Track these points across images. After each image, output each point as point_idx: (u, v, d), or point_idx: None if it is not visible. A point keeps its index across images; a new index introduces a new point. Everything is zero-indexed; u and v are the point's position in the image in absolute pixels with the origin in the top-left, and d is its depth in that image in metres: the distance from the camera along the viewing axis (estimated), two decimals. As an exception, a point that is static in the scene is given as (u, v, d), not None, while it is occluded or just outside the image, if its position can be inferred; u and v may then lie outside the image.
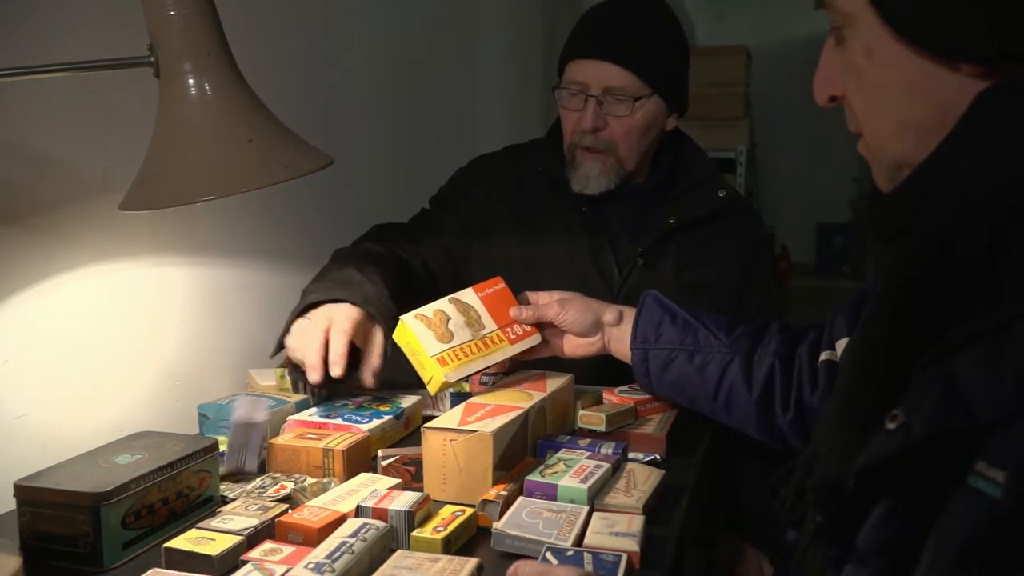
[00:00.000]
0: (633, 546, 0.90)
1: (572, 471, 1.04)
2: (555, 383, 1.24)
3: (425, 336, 1.20)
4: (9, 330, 1.09)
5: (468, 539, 0.96)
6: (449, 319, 1.23)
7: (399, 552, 0.89)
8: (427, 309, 1.23)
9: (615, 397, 1.31)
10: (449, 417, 1.09)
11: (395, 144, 2.09)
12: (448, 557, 0.87)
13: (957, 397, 0.55)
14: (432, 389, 1.19)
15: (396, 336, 1.22)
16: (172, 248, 1.36)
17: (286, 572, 0.84)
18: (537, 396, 1.18)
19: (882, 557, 0.59)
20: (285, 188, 0.95)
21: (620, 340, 1.25)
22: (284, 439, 1.15)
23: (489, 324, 1.26)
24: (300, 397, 1.29)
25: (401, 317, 1.22)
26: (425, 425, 1.07)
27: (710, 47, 5.98)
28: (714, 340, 1.19)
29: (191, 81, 0.91)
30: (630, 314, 1.25)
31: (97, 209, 1.18)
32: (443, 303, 1.26)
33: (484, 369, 1.25)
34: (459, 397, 1.34)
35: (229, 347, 1.49)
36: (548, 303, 1.29)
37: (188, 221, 1.38)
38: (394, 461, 1.10)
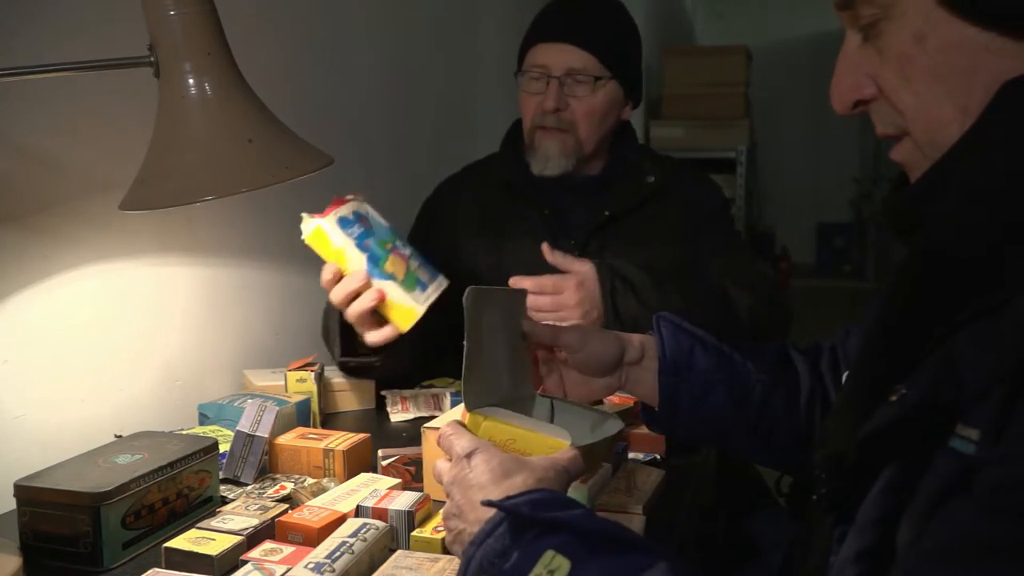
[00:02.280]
0: (633, 546, 0.90)
1: (572, 471, 1.04)
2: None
3: (517, 417, 0.87)
4: (9, 330, 1.09)
5: (468, 539, 0.96)
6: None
7: (399, 552, 0.89)
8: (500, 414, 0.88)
9: (615, 397, 1.31)
10: (449, 417, 1.09)
11: (396, 143, 2.09)
12: (448, 557, 0.87)
13: (951, 371, 0.58)
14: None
15: (485, 433, 0.85)
16: (172, 248, 1.36)
17: (286, 572, 0.84)
18: (537, 396, 1.16)
19: (879, 527, 0.61)
20: (285, 188, 0.95)
21: (638, 377, 1.04)
22: (285, 439, 1.15)
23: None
24: (300, 398, 1.29)
25: (471, 415, 0.87)
26: (425, 425, 1.07)
27: (710, 47, 5.99)
28: (751, 368, 1.04)
29: (191, 81, 0.92)
30: (650, 344, 1.05)
31: (97, 209, 1.18)
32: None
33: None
34: (459, 397, 1.35)
35: (229, 347, 1.49)
36: (565, 329, 1.01)
37: (188, 221, 1.38)
38: (394, 461, 1.10)
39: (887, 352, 0.67)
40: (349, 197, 1.27)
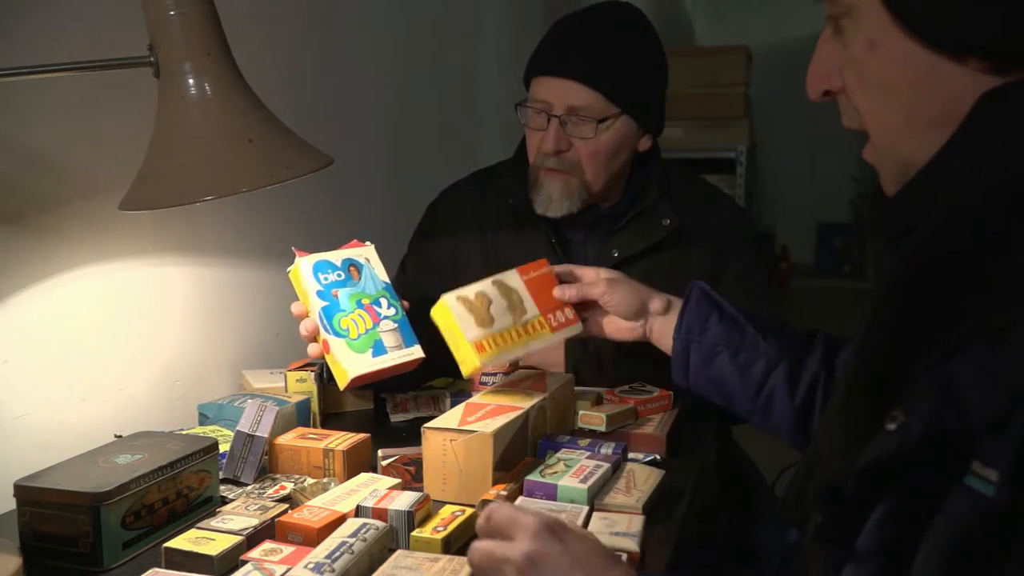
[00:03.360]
0: (633, 546, 0.90)
1: (572, 471, 1.05)
2: (555, 383, 1.24)
3: (465, 319, 1.15)
4: (9, 330, 1.09)
5: (468, 539, 0.96)
6: (491, 302, 1.18)
7: (399, 552, 0.89)
8: (469, 290, 1.19)
9: (615, 397, 1.31)
10: (449, 417, 1.09)
11: (396, 143, 2.09)
12: (448, 557, 0.87)
13: (953, 399, 0.56)
14: (465, 372, 1.15)
15: (434, 314, 1.17)
16: (172, 248, 1.36)
17: (286, 572, 0.84)
18: (537, 396, 1.18)
19: (881, 557, 0.60)
20: (285, 188, 0.95)
21: (664, 330, 1.21)
22: (285, 439, 1.15)
23: (531, 309, 1.21)
24: (300, 398, 1.29)
25: (442, 296, 1.17)
26: (425, 425, 1.07)
27: (710, 47, 5.99)
28: (761, 342, 1.15)
29: (191, 81, 0.92)
30: (677, 304, 1.21)
31: (97, 209, 1.18)
32: (486, 284, 1.20)
33: (522, 357, 1.24)
34: (459, 397, 1.35)
35: (229, 347, 1.49)
36: (594, 281, 1.24)
37: (188, 221, 1.38)
38: (394, 461, 1.10)
39: (879, 371, 0.66)
40: (367, 244, 1.28)
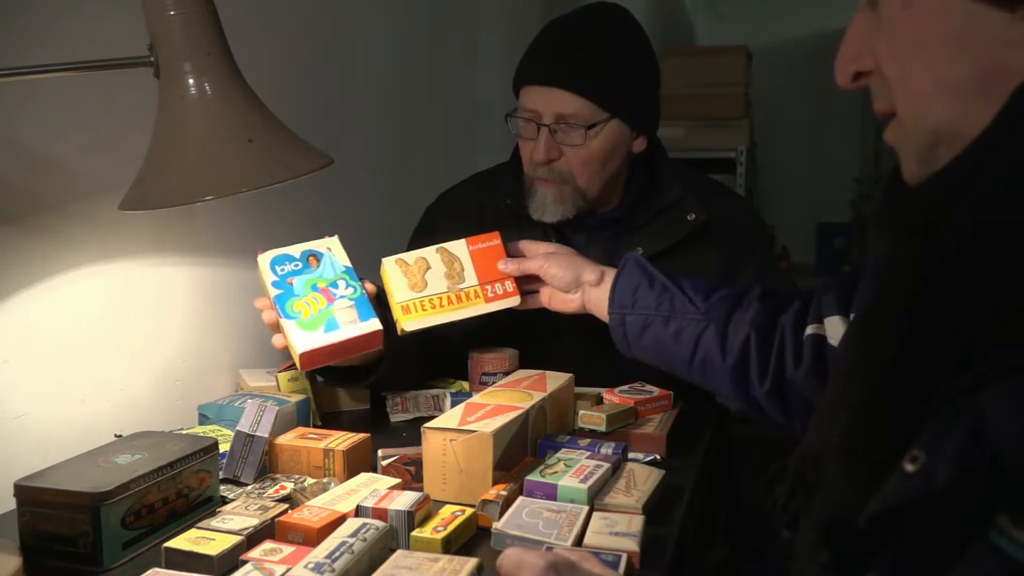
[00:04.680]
0: (633, 546, 0.90)
1: (572, 471, 1.05)
2: (555, 383, 1.24)
3: (398, 282, 1.26)
4: (9, 330, 1.09)
5: (468, 539, 0.96)
6: (429, 268, 1.27)
7: (399, 552, 0.89)
8: (410, 255, 1.28)
9: (615, 397, 1.31)
10: (449, 417, 1.09)
11: (395, 144, 2.09)
12: (448, 557, 0.87)
13: (983, 440, 0.49)
14: (398, 330, 1.25)
15: (381, 274, 1.28)
16: (172, 248, 1.36)
17: (286, 572, 0.84)
18: (537, 396, 1.18)
19: None
20: (285, 188, 0.95)
21: (599, 301, 1.24)
22: (285, 439, 1.15)
23: (470, 278, 1.28)
24: (300, 397, 1.29)
25: (383, 259, 1.27)
26: (425, 425, 1.07)
27: (710, 47, 5.98)
28: (689, 306, 1.17)
29: (191, 81, 0.92)
30: (610, 275, 1.24)
31: (97, 209, 1.18)
32: (429, 251, 1.29)
33: (454, 321, 1.28)
34: (459, 397, 1.35)
35: (229, 347, 1.49)
36: (534, 256, 1.30)
37: (188, 221, 1.38)
38: (394, 461, 1.10)
39: (891, 394, 0.58)
40: (333, 236, 1.30)
